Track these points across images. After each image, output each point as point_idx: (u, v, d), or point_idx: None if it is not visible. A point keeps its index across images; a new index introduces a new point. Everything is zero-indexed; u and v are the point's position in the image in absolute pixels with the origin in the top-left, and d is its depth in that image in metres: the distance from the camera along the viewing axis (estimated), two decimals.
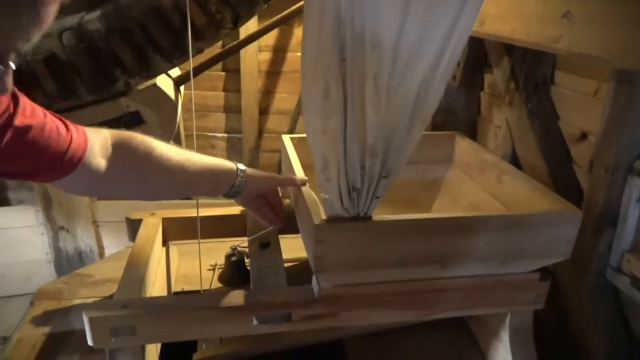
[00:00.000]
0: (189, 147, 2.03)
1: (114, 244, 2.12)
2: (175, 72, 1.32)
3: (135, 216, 1.19)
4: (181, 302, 0.89)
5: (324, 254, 0.79)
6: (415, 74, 0.57)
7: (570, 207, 0.88)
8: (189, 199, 1.21)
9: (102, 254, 2.22)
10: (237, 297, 0.88)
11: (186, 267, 1.33)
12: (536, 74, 1.25)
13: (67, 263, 2.04)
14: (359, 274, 0.83)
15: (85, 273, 1.39)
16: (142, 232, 1.12)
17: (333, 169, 0.67)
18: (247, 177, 0.92)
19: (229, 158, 2.22)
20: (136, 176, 0.82)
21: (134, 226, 1.17)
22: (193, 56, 1.05)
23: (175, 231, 1.20)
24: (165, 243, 1.21)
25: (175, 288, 1.29)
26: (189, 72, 1.35)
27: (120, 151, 0.79)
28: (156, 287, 1.05)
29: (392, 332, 1.16)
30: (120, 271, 0.98)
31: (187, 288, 1.26)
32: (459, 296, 0.93)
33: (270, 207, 1.00)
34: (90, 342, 0.84)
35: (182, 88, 1.33)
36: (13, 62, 0.52)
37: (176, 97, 1.25)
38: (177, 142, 1.98)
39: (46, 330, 1.15)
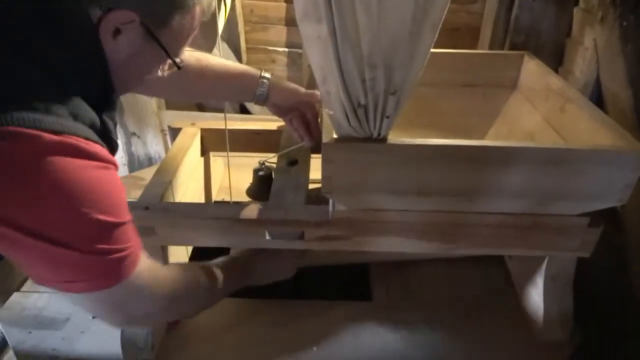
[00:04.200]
0: (248, 60, 2.01)
1: None
2: None
3: (176, 125, 1.21)
4: (196, 210, 0.90)
5: (332, 174, 0.75)
6: None
7: (633, 143, 0.73)
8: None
9: None
10: (251, 211, 0.87)
11: (233, 179, 1.35)
12: None
13: (138, 166, 2.18)
14: (370, 198, 0.78)
15: (139, 176, 1.48)
16: (178, 141, 1.13)
17: (332, 81, 0.60)
18: (270, 86, 0.92)
19: (289, 73, 2.13)
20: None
21: (175, 134, 1.19)
22: None
23: (213, 142, 1.21)
24: (204, 153, 1.22)
25: (217, 197, 1.33)
26: None
27: None
28: (187, 194, 1.08)
29: (421, 263, 1.11)
30: None
31: (227, 199, 1.29)
32: (488, 233, 0.85)
33: (302, 121, 0.97)
34: None
35: None
36: None
37: (218, 4, 1.20)
38: (237, 54, 1.95)
39: None
